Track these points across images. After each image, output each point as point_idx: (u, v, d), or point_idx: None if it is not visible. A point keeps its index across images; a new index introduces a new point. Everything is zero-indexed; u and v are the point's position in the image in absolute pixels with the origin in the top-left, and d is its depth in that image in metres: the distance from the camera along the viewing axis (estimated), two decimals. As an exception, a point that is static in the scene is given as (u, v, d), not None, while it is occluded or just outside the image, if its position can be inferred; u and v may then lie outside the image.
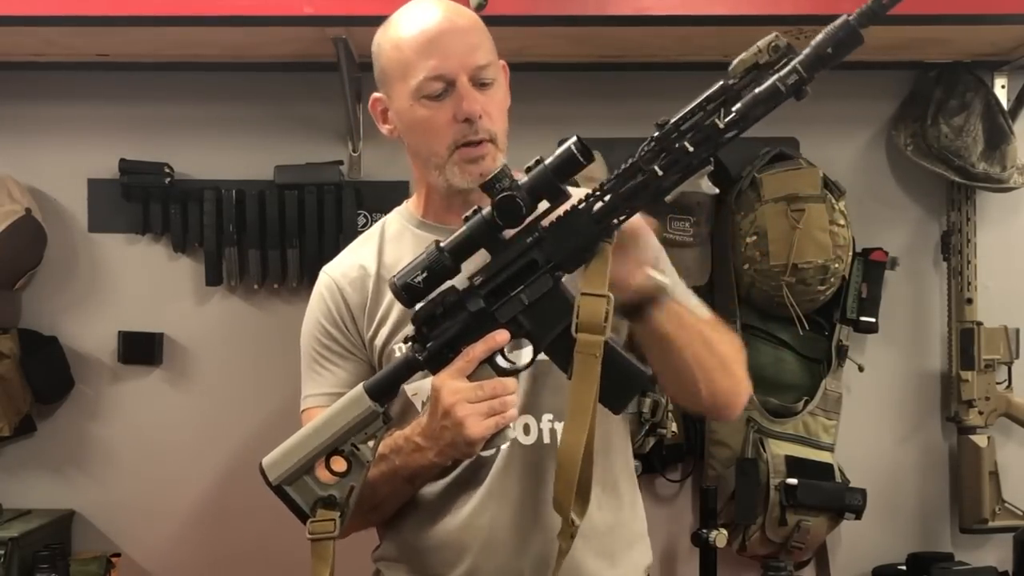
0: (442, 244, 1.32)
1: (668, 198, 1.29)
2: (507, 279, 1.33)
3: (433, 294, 1.33)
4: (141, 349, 2.59)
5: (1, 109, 2.62)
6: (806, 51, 1.21)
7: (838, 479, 2.49)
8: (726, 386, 1.47)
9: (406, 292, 1.33)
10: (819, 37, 1.21)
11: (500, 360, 1.36)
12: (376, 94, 1.53)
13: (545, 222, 1.32)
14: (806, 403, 2.52)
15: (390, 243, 1.56)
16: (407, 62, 1.45)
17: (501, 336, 1.33)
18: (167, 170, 2.55)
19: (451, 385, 1.32)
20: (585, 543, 1.43)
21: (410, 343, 1.37)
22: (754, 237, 2.45)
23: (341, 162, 2.57)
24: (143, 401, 2.61)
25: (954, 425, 2.59)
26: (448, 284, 1.34)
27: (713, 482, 2.50)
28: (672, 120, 1.26)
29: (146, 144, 2.58)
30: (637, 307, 1.36)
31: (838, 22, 1.20)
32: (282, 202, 2.55)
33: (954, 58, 2.53)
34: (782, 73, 1.21)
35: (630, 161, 1.29)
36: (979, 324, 2.57)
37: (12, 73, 2.58)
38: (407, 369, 1.36)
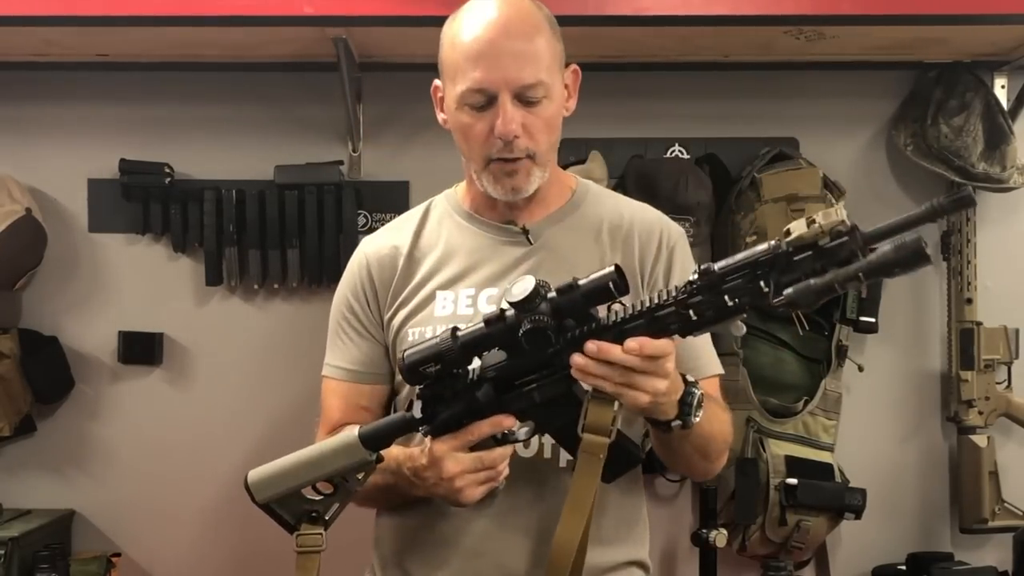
0: (459, 334, 1.32)
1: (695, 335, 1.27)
2: (521, 376, 1.34)
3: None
4: (141, 349, 2.59)
5: (1, 109, 2.61)
6: (871, 258, 1.12)
7: (838, 479, 2.49)
8: (706, 470, 1.54)
9: (411, 375, 1.34)
10: (888, 251, 1.11)
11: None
12: (437, 81, 1.54)
13: (568, 334, 1.30)
14: (806, 403, 2.52)
15: (431, 225, 1.58)
16: (457, 65, 1.45)
17: (508, 421, 1.36)
18: (167, 170, 2.55)
19: (455, 456, 1.35)
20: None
21: (413, 407, 1.38)
22: (754, 237, 2.45)
23: (341, 162, 2.57)
24: (143, 401, 2.61)
25: (954, 425, 2.59)
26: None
27: (713, 482, 2.49)
28: (717, 269, 1.21)
29: (146, 144, 2.58)
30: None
31: (911, 242, 1.09)
32: (282, 202, 2.54)
33: (954, 58, 2.53)
34: (841, 275, 1.13)
35: (668, 297, 1.25)
36: (979, 324, 2.57)
37: (12, 73, 2.58)
38: (406, 429, 1.39)
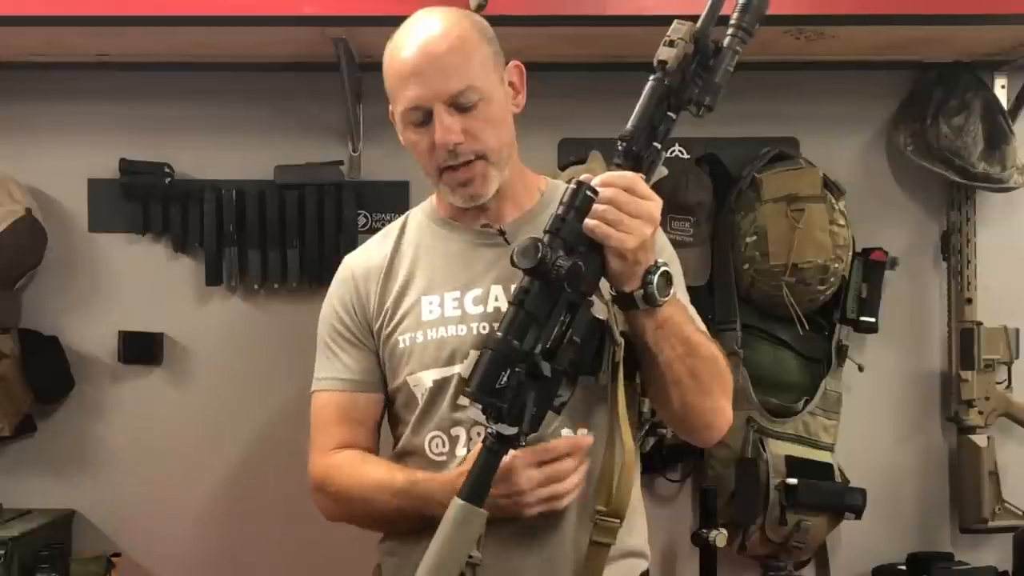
0: (499, 333, 1.31)
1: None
2: (560, 330, 1.35)
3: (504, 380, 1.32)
4: (141, 349, 2.58)
5: (1, 109, 2.61)
6: (738, 13, 1.38)
7: (838, 479, 2.49)
8: (701, 407, 1.47)
9: (496, 397, 1.31)
10: (743, 10, 1.39)
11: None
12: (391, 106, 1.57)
13: (561, 265, 1.32)
14: (806, 403, 2.52)
15: (409, 236, 1.62)
16: (393, 89, 1.52)
17: (586, 440, 1.42)
18: (167, 170, 2.55)
19: (528, 473, 1.38)
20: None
21: (489, 435, 1.34)
22: (754, 237, 2.45)
23: (341, 162, 2.57)
24: (143, 401, 2.61)
25: (954, 425, 2.59)
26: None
27: (713, 482, 2.50)
28: (630, 126, 1.39)
29: (146, 144, 2.58)
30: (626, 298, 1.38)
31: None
32: (282, 202, 2.55)
33: (954, 58, 2.53)
34: (723, 57, 1.39)
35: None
36: (979, 324, 2.57)
37: (12, 73, 2.57)
38: (497, 459, 1.34)
